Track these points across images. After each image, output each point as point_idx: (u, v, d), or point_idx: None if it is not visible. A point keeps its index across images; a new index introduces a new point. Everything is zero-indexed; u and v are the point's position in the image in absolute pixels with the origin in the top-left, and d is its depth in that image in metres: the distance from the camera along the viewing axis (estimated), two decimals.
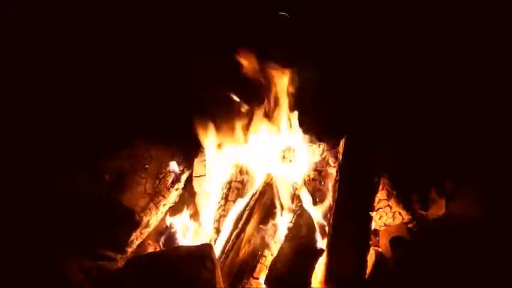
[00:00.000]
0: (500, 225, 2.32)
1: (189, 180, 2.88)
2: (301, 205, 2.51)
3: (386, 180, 2.54)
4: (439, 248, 2.29)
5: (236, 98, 2.89)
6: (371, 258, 2.36)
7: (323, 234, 2.38)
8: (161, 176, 2.74)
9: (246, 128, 2.85)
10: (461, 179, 2.60)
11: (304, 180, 2.69)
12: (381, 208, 2.54)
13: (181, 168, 2.84)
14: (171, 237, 2.70)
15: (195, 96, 2.90)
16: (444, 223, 2.50)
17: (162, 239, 2.72)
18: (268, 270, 2.15)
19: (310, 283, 2.10)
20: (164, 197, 2.71)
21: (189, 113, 2.85)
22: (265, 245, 2.44)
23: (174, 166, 2.81)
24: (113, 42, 3.15)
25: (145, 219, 2.57)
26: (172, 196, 2.79)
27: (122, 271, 2.13)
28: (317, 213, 2.49)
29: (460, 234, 2.37)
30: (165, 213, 2.79)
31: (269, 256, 2.38)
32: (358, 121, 2.84)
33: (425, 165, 2.65)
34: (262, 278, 2.27)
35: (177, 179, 2.79)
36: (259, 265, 2.36)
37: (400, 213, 2.53)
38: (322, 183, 2.68)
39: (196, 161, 2.90)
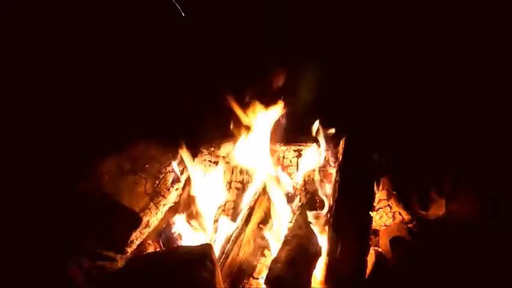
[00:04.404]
0: (500, 225, 2.33)
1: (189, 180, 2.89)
2: (301, 205, 2.51)
3: (386, 180, 2.54)
4: (439, 248, 2.30)
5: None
6: (371, 258, 2.36)
7: (323, 234, 2.39)
8: (161, 176, 2.73)
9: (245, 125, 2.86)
10: (461, 178, 2.60)
11: (304, 180, 2.69)
12: (381, 208, 2.54)
13: (181, 168, 2.84)
14: (171, 237, 2.70)
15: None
16: (444, 223, 2.50)
17: (162, 239, 2.71)
18: (268, 270, 2.14)
19: (310, 283, 2.10)
20: (164, 197, 2.71)
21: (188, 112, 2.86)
22: (265, 245, 2.44)
23: (174, 166, 2.81)
24: (114, 42, 3.15)
25: (145, 219, 2.57)
26: (172, 196, 2.79)
27: (122, 271, 2.13)
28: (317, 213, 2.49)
29: (460, 234, 2.37)
30: (165, 213, 2.79)
31: (269, 256, 2.39)
32: (358, 121, 2.85)
33: (425, 165, 2.65)
34: (262, 278, 2.27)
35: (177, 179, 2.79)
36: (259, 265, 2.36)
37: (400, 213, 2.53)
38: (322, 183, 2.68)
39: (196, 161, 2.91)
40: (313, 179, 2.67)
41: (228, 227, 2.48)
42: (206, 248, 2.09)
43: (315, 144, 2.79)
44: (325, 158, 2.74)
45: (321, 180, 2.68)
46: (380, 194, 2.51)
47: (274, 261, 2.16)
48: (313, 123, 2.80)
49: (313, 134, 2.77)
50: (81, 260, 2.20)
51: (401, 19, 3.09)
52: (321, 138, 2.74)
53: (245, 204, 2.55)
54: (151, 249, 2.67)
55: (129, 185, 2.61)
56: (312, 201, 2.56)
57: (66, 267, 2.12)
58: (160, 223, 2.76)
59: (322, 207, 2.54)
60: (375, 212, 2.48)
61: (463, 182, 2.58)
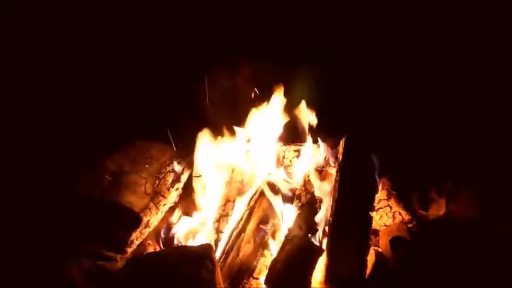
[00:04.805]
0: (500, 225, 2.33)
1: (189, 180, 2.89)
2: (301, 205, 2.51)
3: (386, 180, 2.54)
4: (439, 248, 2.29)
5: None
6: (371, 258, 2.36)
7: (323, 234, 2.39)
8: (161, 176, 2.73)
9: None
10: (461, 179, 2.60)
11: (304, 181, 2.68)
12: (381, 208, 2.54)
13: (181, 168, 2.84)
14: (171, 237, 2.70)
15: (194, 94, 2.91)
16: (444, 223, 2.50)
17: (162, 239, 2.71)
18: (268, 270, 2.14)
19: (310, 283, 2.10)
20: (164, 197, 2.70)
21: (189, 112, 2.86)
22: (265, 245, 2.44)
23: (175, 165, 2.81)
24: (114, 42, 3.15)
25: (145, 219, 2.57)
26: (172, 196, 2.79)
27: (122, 271, 2.13)
28: (317, 213, 2.49)
29: (460, 234, 2.37)
30: (165, 213, 2.79)
31: (269, 256, 2.38)
32: (358, 121, 2.84)
33: (425, 165, 2.65)
34: (262, 278, 2.27)
35: (177, 179, 2.79)
36: (259, 265, 2.36)
37: (400, 213, 2.53)
38: (322, 183, 2.67)
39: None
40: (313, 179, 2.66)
41: (228, 227, 2.48)
42: (206, 248, 2.09)
43: (315, 144, 2.79)
44: (325, 158, 2.74)
45: (321, 181, 2.68)
46: (380, 194, 2.50)
47: (274, 261, 2.16)
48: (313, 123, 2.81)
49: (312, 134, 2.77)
50: (81, 260, 2.21)
51: (401, 20, 3.09)
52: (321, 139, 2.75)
53: (245, 204, 2.55)
54: (151, 249, 2.67)
55: (129, 185, 2.61)
56: (312, 201, 2.55)
57: (66, 267, 2.12)
58: (160, 223, 2.76)
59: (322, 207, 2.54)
60: (374, 212, 2.48)
61: (463, 182, 2.58)
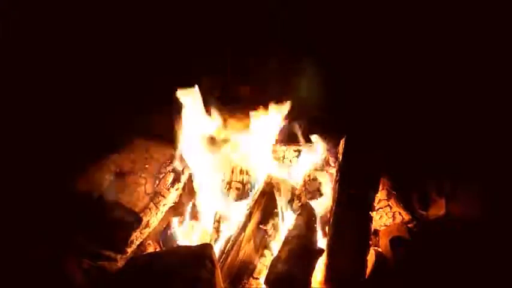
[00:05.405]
0: (500, 225, 2.33)
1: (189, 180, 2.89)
2: (302, 205, 2.51)
3: (386, 180, 2.54)
4: (439, 248, 2.30)
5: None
6: (371, 258, 2.36)
7: (323, 234, 2.38)
8: (161, 176, 2.74)
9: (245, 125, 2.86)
10: (461, 179, 2.60)
11: (304, 180, 2.69)
12: (381, 208, 2.54)
13: (181, 168, 2.84)
14: (171, 237, 2.70)
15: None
16: (444, 223, 2.50)
17: (162, 239, 2.72)
18: (268, 270, 2.14)
19: (310, 283, 2.10)
20: (164, 197, 2.71)
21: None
22: (265, 245, 2.44)
23: (176, 165, 2.81)
24: (114, 42, 3.15)
25: (145, 219, 2.57)
26: (172, 196, 2.79)
27: (122, 271, 2.13)
28: (317, 213, 2.49)
29: (460, 234, 2.37)
30: (165, 213, 2.79)
31: (269, 256, 2.38)
32: (358, 121, 2.85)
33: (425, 165, 2.66)
34: (262, 278, 2.27)
35: (177, 179, 2.79)
36: (259, 265, 2.36)
37: (400, 213, 2.53)
38: (322, 183, 2.67)
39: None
40: (313, 179, 2.66)
41: (228, 227, 2.48)
42: (206, 248, 2.09)
43: (315, 144, 2.80)
44: (325, 158, 2.74)
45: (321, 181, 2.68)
46: (380, 194, 2.50)
47: (274, 261, 2.16)
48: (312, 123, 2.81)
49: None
50: (81, 260, 2.21)
51: (401, 19, 3.09)
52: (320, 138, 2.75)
53: (245, 204, 2.55)
54: (151, 249, 2.67)
55: (129, 185, 2.61)
56: (311, 202, 2.55)
57: (66, 267, 2.12)
58: (161, 223, 2.76)
59: (322, 207, 2.54)
60: (374, 212, 2.48)
61: (463, 182, 2.58)
